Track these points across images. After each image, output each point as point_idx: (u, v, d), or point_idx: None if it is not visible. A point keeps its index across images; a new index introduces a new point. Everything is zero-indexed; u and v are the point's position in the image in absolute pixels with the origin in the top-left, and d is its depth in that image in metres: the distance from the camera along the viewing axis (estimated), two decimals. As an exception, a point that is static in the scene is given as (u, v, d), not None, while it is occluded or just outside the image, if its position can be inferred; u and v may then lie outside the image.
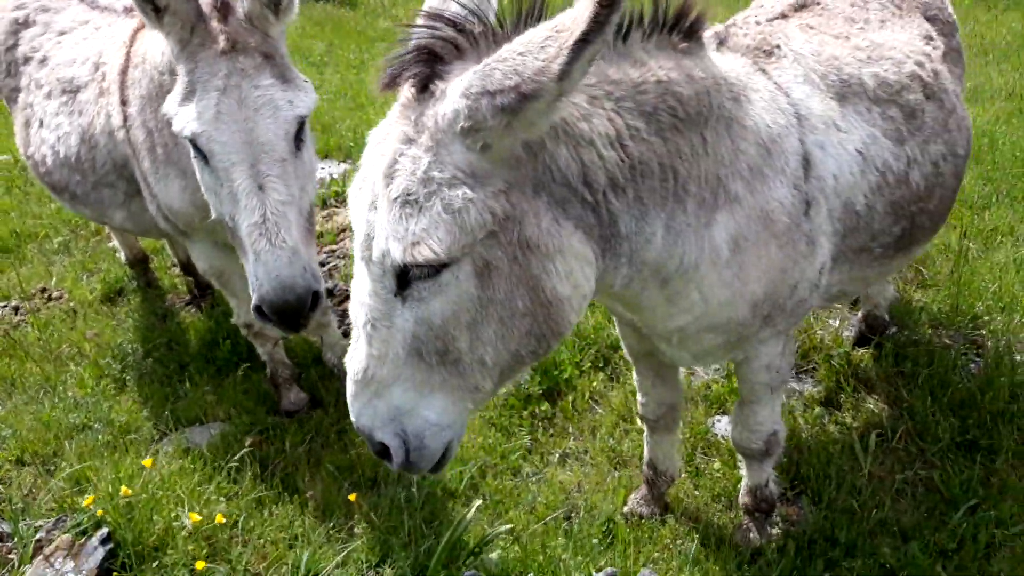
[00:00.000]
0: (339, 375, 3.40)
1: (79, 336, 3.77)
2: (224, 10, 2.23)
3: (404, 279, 1.48)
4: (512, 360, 1.61)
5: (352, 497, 2.60)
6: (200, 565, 2.20)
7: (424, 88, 1.45)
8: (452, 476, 2.84)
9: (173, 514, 2.50)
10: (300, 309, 2.26)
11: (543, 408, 3.22)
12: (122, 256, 4.27)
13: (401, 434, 1.61)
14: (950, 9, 2.80)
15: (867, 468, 2.94)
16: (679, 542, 2.68)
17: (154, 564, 2.28)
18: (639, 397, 2.69)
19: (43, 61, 3.04)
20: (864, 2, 2.58)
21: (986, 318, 3.56)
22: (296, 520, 2.66)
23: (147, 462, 2.64)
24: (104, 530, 2.21)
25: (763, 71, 2.03)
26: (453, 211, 1.41)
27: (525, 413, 3.19)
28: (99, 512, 2.33)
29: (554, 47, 1.27)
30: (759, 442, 2.58)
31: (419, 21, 1.53)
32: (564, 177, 1.53)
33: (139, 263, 4.22)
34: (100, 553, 2.14)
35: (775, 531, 2.75)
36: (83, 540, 2.20)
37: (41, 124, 3.01)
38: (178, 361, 3.61)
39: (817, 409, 3.21)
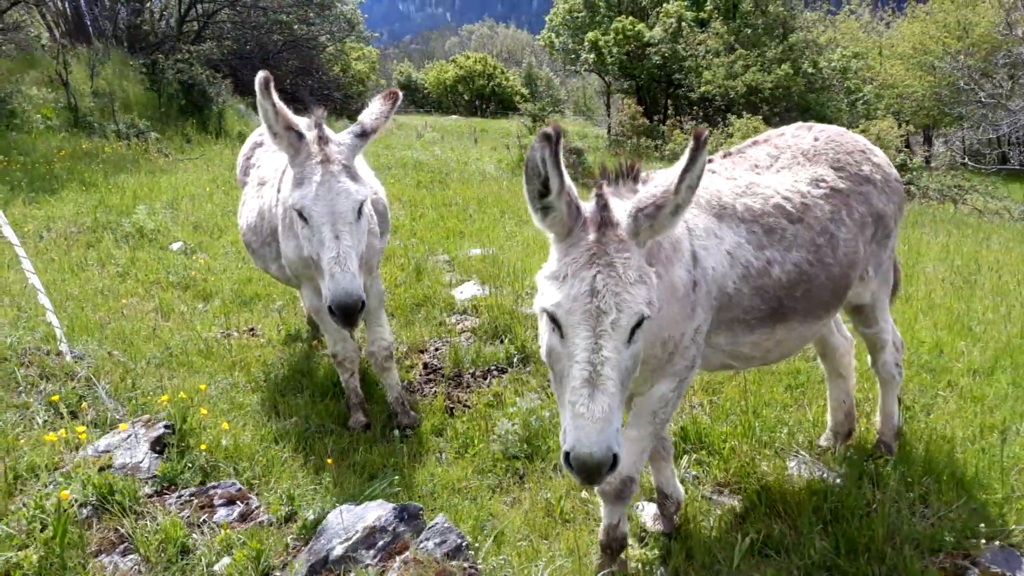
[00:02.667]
0: (392, 409, 4.65)
1: (256, 359, 5.48)
2: (323, 140, 3.79)
3: (633, 331, 2.32)
4: None
5: (329, 460, 3.80)
6: (224, 425, 3.55)
7: (609, 221, 2.33)
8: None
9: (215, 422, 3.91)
10: (355, 310, 3.59)
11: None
12: (304, 316, 6.04)
13: (619, 446, 2.25)
14: (869, 166, 3.66)
15: (736, 563, 3.46)
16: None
17: (192, 440, 3.67)
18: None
19: (257, 167, 4.92)
20: (778, 153, 3.61)
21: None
22: (302, 472, 3.90)
23: (202, 386, 4.11)
24: (166, 420, 3.66)
25: None
26: (652, 282, 2.37)
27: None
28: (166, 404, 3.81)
29: (671, 179, 2.27)
30: (615, 481, 3.11)
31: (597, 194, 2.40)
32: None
33: (311, 322, 5.94)
34: (161, 428, 3.57)
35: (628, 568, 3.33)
36: (154, 421, 3.66)
37: (244, 203, 4.86)
38: (299, 378, 5.13)
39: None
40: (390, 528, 2.83)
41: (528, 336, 5.58)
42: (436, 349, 5.71)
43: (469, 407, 4.86)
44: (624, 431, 3.11)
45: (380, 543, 2.78)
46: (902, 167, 19.30)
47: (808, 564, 3.45)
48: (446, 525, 2.88)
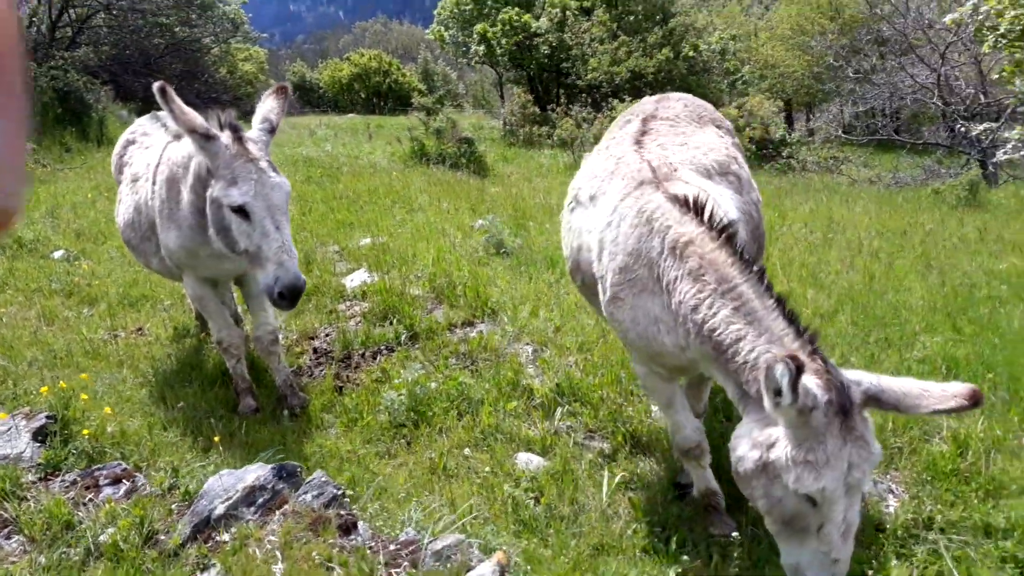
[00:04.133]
0: (281, 392, 4.79)
1: (144, 355, 5.51)
2: (241, 140, 3.84)
3: None
4: None
5: (216, 439, 3.94)
6: (107, 410, 3.66)
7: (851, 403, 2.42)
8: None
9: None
10: (302, 292, 3.70)
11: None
12: (193, 311, 6.08)
13: None
14: (727, 122, 4.21)
15: (605, 497, 3.80)
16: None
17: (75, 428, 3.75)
18: (679, 437, 3.44)
19: (130, 165, 4.97)
20: (676, 122, 3.96)
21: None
22: (190, 453, 4.02)
23: (84, 376, 4.19)
24: (47, 411, 3.73)
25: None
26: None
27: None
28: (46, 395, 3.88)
29: (922, 399, 2.41)
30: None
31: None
32: None
33: (199, 316, 5.99)
34: (43, 419, 3.63)
35: None
36: (34, 412, 3.73)
37: (120, 201, 4.90)
38: (188, 370, 5.21)
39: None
40: (269, 486, 3.01)
41: (415, 315, 5.79)
42: (326, 335, 5.86)
43: (358, 384, 5.04)
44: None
45: (260, 500, 2.96)
46: (781, 142, 20.38)
47: (670, 494, 3.82)
48: (323, 479, 3.08)
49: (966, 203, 12.76)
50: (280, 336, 4.89)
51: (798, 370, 2.28)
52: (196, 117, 3.79)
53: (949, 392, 2.39)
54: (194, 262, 4.35)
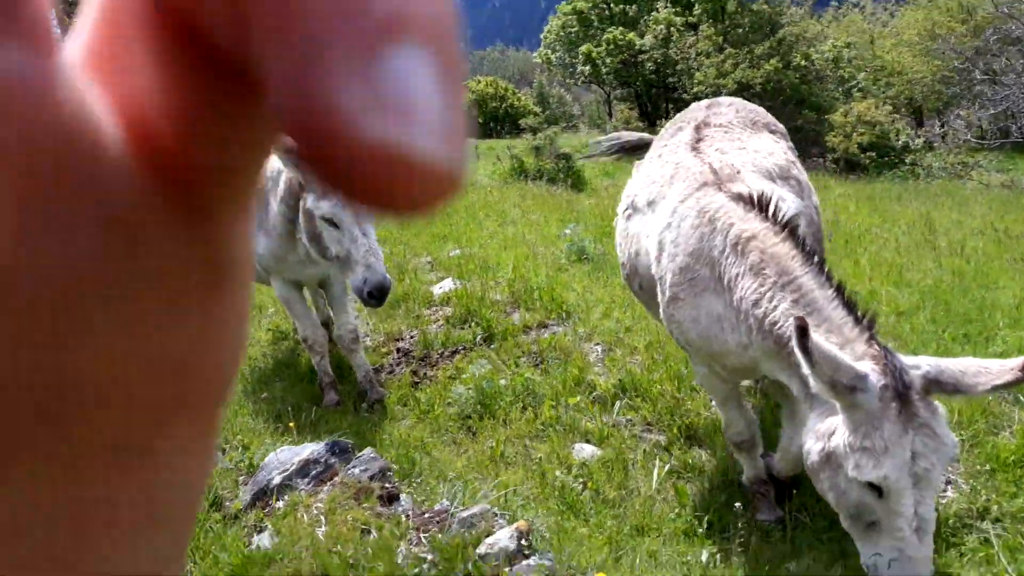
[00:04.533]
0: (361, 386, 5.13)
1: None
2: None
3: None
4: None
5: (291, 424, 4.30)
6: None
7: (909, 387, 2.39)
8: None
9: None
10: (389, 291, 4.05)
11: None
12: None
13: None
14: (781, 127, 4.17)
15: (655, 484, 3.88)
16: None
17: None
18: (733, 431, 3.47)
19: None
20: (730, 128, 3.96)
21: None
22: (269, 438, 4.40)
23: None
24: None
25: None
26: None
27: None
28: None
29: (987, 375, 2.39)
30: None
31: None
32: None
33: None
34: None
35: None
36: None
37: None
38: (281, 368, 5.65)
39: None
40: (322, 460, 3.31)
41: (492, 318, 6.04)
42: (411, 336, 6.20)
43: (433, 380, 5.33)
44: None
45: (313, 472, 3.26)
46: (904, 148, 19.49)
47: (721, 481, 3.86)
48: (372, 455, 3.36)
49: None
50: (360, 335, 5.24)
51: (801, 331, 2.30)
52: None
53: (1007, 366, 2.37)
54: (281, 267, 4.76)
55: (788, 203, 3.29)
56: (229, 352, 0.25)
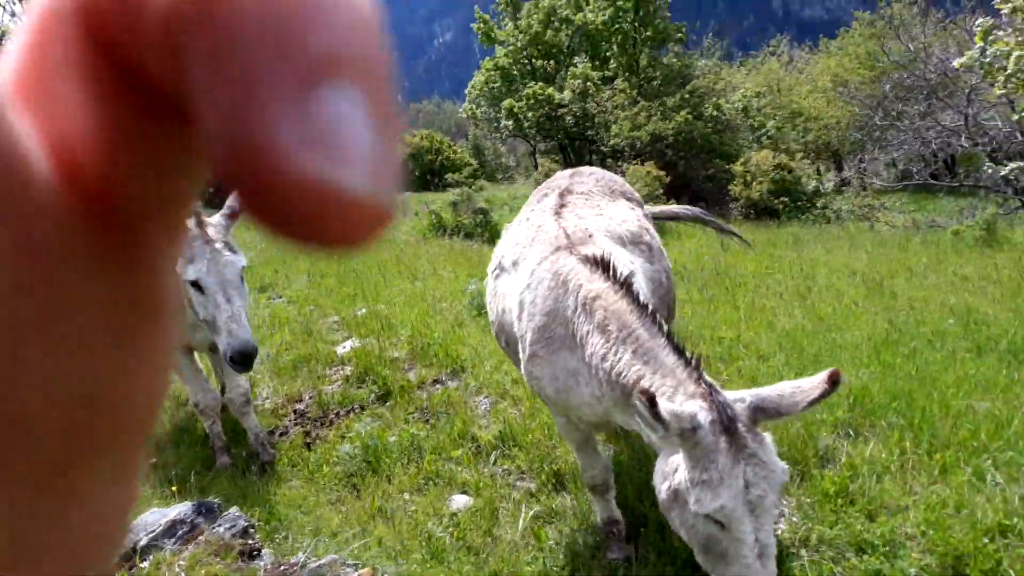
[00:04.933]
0: (253, 448, 5.29)
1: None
2: (201, 224, 4.49)
3: None
4: None
5: (174, 488, 4.45)
6: None
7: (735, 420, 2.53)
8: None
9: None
10: (253, 355, 4.17)
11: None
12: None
13: None
14: (636, 194, 4.54)
15: (520, 529, 4.14)
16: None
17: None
18: (588, 475, 3.71)
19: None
20: (590, 196, 4.27)
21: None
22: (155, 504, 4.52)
23: None
24: None
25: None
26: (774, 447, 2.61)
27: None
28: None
29: (798, 396, 2.56)
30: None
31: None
32: None
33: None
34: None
35: None
36: None
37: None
38: (179, 433, 5.77)
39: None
40: (188, 520, 3.48)
41: (387, 375, 6.27)
42: (310, 398, 6.38)
43: (325, 441, 5.51)
44: None
45: (180, 532, 3.43)
46: (816, 193, 20.52)
47: (581, 525, 4.14)
48: (237, 515, 3.54)
49: (983, 243, 12.71)
50: (249, 399, 5.42)
51: (651, 401, 2.46)
52: None
53: (816, 381, 2.56)
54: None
55: (635, 266, 3.64)
56: (153, 387, 0.24)
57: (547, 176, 18.68)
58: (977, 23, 14.43)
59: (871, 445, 4.22)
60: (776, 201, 18.46)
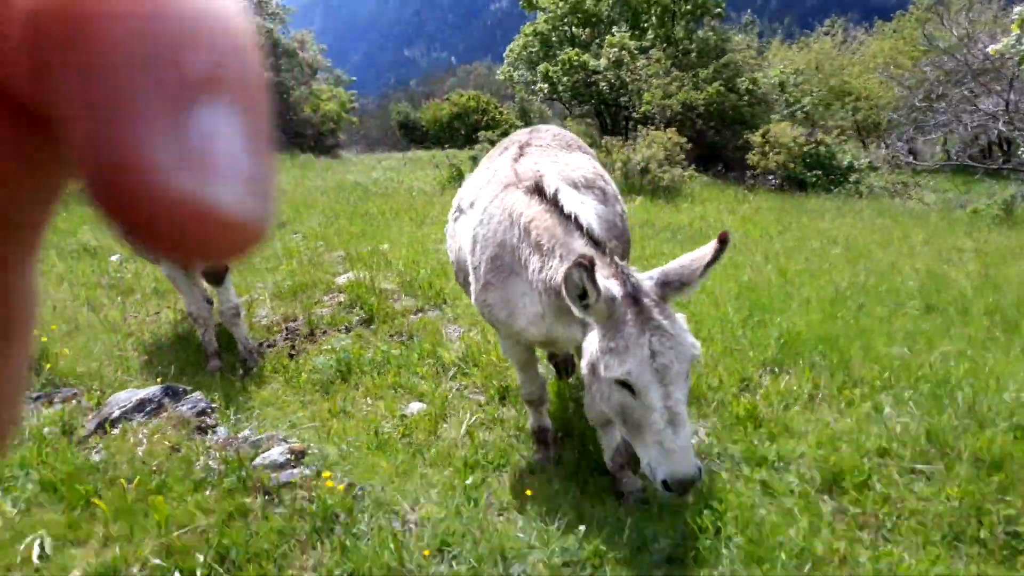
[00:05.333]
0: (241, 355, 5.80)
1: (149, 330, 6.69)
2: None
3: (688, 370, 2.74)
4: None
5: (158, 380, 4.98)
6: (64, 351, 4.72)
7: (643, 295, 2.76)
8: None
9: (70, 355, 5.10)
10: (223, 272, 4.75)
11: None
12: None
13: (700, 463, 2.72)
14: (592, 151, 4.82)
15: (463, 431, 4.58)
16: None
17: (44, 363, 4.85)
18: (526, 390, 4.07)
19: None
20: (547, 148, 4.41)
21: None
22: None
23: (53, 326, 5.30)
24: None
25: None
26: (686, 326, 2.80)
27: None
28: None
29: (696, 264, 2.77)
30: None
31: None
32: None
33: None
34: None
35: None
36: None
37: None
38: (179, 340, 6.33)
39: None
40: (156, 399, 3.99)
41: (373, 303, 6.74)
42: (303, 319, 6.89)
43: (307, 353, 6.01)
44: None
45: (147, 408, 3.94)
46: (849, 168, 20.41)
47: (520, 431, 4.56)
48: (199, 397, 4.04)
49: (999, 221, 12.70)
50: (242, 311, 5.93)
51: (591, 264, 2.63)
52: None
53: (709, 247, 2.76)
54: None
55: (587, 205, 3.86)
56: (6, 403, 0.24)
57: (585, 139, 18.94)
58: (1016, 11, 14.22)
59: (788, 379, 4.56)
60: (809, 174, 18.43)
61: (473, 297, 3.80)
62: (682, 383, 2.71)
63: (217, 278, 4.70)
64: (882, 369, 4.56)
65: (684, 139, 15.17)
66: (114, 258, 9.20)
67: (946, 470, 3.63)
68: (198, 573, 2.77)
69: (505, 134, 21.84)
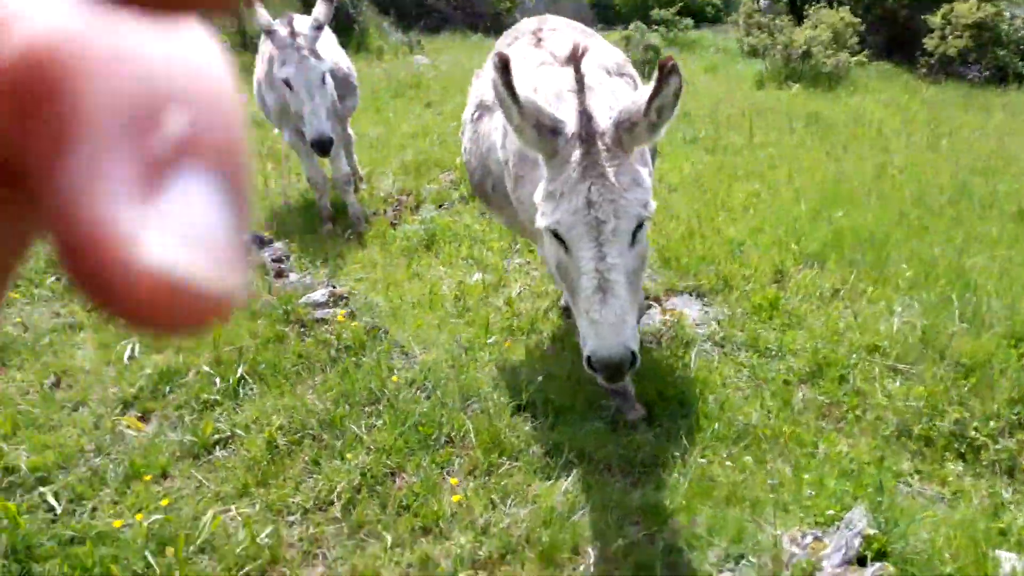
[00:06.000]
0: (350, 220, 6.61)
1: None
2: (293, 33, 5.73)
3: (635, 234, 2.42)
4: None
5: (268, 233, 5.89)
6: None
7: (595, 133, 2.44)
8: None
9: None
10: (328, 144, 5.51)
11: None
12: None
13: (636, 344, 2.39)
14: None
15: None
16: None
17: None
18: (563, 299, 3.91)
19: (260, 54, 6.98)
20: (563, 33, 3.84)
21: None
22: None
23: None
24: None
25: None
26: (647, 184, 2.49)
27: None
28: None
29: (641, 100, 2.41)
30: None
31: None
32: None
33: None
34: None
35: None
36: None
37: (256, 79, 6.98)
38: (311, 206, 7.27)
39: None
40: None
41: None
42: (415, 192, 7.61)
43: (405, 222, 6.74)
44: None
45: (240, 251, 4.82)
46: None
47: (552, 304, 5.04)
48: (279, 246, 4.85)
49: None
50: (352, 181, 6.70)
51: (504, 65, 2.31)
52: (266, 19, 5.61)
53: (656, 76, 2.39)
54: (285, 119, 6.25)
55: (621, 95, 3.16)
56: None
57: (748, 16, 17.96)
58: None
59: (817, 273, 4.67)
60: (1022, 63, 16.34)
61: (512, 200, 3.47)
62: (620, 245, 2.40)
63: (324, 150, 5.46)
64: (916, 272, 4.54)
65: (858, 20, 13.98)
66: (276, 131, 10.35)
67: (925, 371, 3.73)
68: (231, 381, 3.59)
69: (665, 10, 20.97)
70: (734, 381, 3.96)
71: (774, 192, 6.16)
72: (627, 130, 2.44)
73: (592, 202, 2.37)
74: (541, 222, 2.49)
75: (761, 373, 3.97)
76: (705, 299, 4.80)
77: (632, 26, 14.22)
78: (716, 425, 3.47)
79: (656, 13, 19.06)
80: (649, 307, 4.66)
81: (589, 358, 2.41)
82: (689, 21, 19.88)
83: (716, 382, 3.88)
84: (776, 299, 4.54)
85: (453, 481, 2.99)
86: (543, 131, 2.44)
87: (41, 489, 3.03)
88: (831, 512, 2.86)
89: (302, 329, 3.99)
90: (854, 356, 3.94)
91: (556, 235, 2.46)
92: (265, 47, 6.33)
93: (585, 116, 2.46)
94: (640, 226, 2.46)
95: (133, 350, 3.85)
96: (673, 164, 7.05)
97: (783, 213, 5.64)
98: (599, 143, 2.44)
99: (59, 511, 2.94)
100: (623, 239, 2.40)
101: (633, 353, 2.39)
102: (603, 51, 3.70)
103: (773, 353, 4.14)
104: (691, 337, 4.33)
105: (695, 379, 3.85)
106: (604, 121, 2.49)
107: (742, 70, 14.08)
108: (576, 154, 2.42)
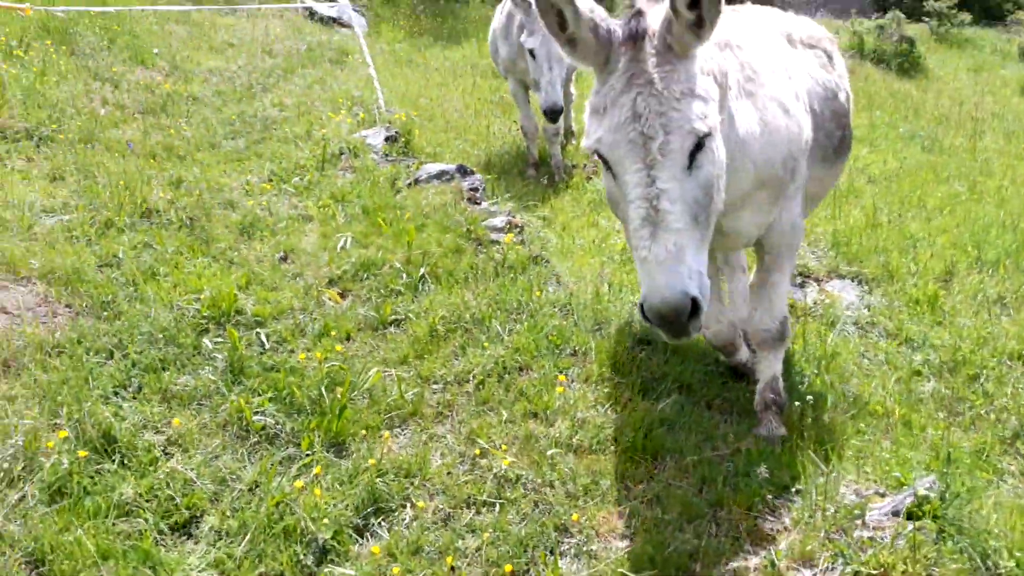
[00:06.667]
0: (552, 168, 7.19)
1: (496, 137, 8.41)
2: None
3: (694, 155, 1.99)
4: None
5: (474, 165, 6.65)
6: (416, 131, 6.66)
7: (644, 34, 2.07)
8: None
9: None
10: (560, 113, 6.42)
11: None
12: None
13: (699, 289, 1.94)
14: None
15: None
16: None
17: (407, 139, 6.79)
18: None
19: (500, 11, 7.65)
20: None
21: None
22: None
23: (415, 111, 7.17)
24: (397, 129, 6.84)
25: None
26: (710, 94, 2.06)
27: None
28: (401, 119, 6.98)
29: None
30: (775, 323, 3.03)
31: None
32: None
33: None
34: (393, 131, 6.73)
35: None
36: (391, 128, 6.84)
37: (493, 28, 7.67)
38: (514, 150, 7.96)
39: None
40: (451, 173, 5.59)
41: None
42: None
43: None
44: (765, 275, 3.01)
45: (444, 177, 5.56)
46: None
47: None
48: (478, 177, 5.55)
49: None
50: (560, 132, 7.27)
51: None
52: None
53: None
54: (514, 70, 6.94)
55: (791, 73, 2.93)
56: None
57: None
58: None
59: (982, 277, 4.61)
60: None
61: None
62: (673, 167, 2.00)
63: (554, 118, 6.11)
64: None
65: None
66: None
67: (1062, 386, 3.67)
68: (415, 277, 4.32)
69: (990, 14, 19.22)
70: (865, 362, 4.10)
71: (977, 198, 5.94)
72: (685, 26, 2.05)
73: (638, 114, 1.99)
74: (584, 143, 2.13)
75: (894, 360, 4.07)
76: (865, 287, 4.88)
77: (890, 15, 13.43)
78: (829, 395, 3.66)
79: (930, 4, 17.74)
80: (802, 285, 4.84)
81: (641, 305, 2.00)
82: (966, 16, 18.34)
83: (845, 358, 4.05)
84: (935, 296, 4.54)
85: (561, 378, 3.50)
86: (599, 34, 2.12)
87: (258, 330, 3.91)
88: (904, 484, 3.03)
89: (478, 246, 4.65)
90: (994, 360, 3.93)
91: (600, 157, 2.11)
92: (507, 3, 6.99)
93: (633, 14, 2.10)
94: (701, 146, 2.03)
95: (346, 242, 4.70)
96: (879, 157, 6.92)
97: (976, 218, 5.47)
98: (647, 46, 2.08)
99: (267, 347, 3.81)
100: (676, 160, 2.00)
101: (694, 300, 1.95)
102: (793, 21, 3.44)
103: (916, 345, 4.21)
104: (837, 317, 4.49)
105: (825, 352, 4.04)
106: (656, 23, 2.11)
107: (1006, 74, 12.90)
108: (622, 61, 2.07)
